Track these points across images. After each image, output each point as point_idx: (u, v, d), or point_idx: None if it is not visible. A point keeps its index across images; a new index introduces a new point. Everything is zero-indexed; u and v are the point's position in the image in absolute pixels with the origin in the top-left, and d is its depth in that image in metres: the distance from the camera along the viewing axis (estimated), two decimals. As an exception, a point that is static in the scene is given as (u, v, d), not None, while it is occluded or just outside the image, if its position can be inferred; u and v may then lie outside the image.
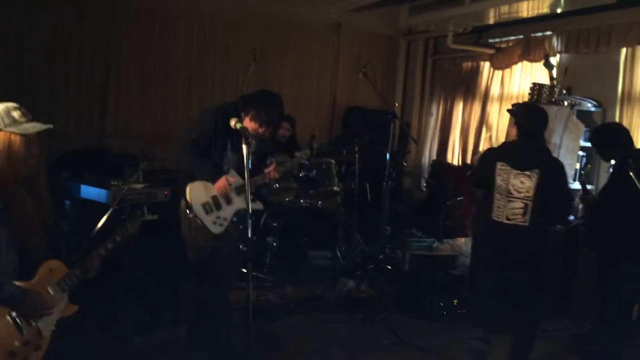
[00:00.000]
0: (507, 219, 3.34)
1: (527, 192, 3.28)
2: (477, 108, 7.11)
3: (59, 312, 2.20)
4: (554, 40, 5.80)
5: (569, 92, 5.61)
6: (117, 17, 5.76)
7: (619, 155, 3.81)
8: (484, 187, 3.57)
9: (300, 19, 6.92)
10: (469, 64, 7.26)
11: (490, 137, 6.81)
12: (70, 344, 2.21)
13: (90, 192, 3.83)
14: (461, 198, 6.36)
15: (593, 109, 5.51)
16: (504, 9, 5.65)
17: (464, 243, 5.50)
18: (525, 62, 6.35)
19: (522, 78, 6.51)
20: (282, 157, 4.45)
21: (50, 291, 2.16)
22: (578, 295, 4.72)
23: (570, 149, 5.23)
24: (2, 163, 2.06)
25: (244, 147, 2.78)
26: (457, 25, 6.37)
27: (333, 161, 5.37)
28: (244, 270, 4.20)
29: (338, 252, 5.44)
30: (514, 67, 6.54)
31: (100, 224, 3.12)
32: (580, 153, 5.30)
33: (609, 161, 3.98)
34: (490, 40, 6.77)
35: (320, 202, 5.48)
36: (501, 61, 6.57)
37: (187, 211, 3.26)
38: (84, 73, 5.68)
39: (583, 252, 4.60)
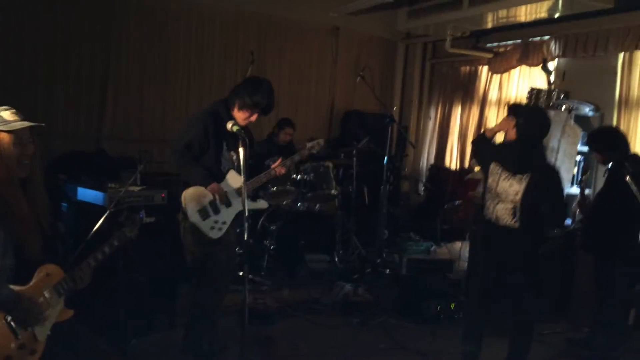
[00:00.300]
0: (497, 219, 3.32)
1: (516, 195, 3.24)
2: (475, 112, 7.12)
3: (55, 317, 2.18)
4: (552, 45, 5.81)
5: (566, 97, 5.61)
6: (116, 18, 5.76)
7: (616, 159, 3.82)
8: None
9: (299, 21, 6.92)
10: (467, 68, 7.27)
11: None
12: (65, 348, 2.20)
13: (87, 194, 3.82)
14: (459, 202, 6.35)
15: (591, 113, 5.51)
16: (502, 13, 5.66)
17: (461, 247, 5.50)
18: (523, 67, 6.36)
19: (520, 82, 6.52)
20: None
21: (47, 295, 2.14)
22: (575, 299, 4.72)
23: (568, 153, 5.23)
24: None
25: (241, 149, 2.76)
26: (455, 30, 6.38)
27: (331, 164, 5.36)
28: (240, 274, 4.21)
29: (335, 256, 5.44)
30: (512, 71, 6.55)
31: (97, 227, 3.11)
32: (578, 157, 5.30)
33: (606, 164, 3.98)
34: (489, 45, 6.78)
35: (317, 206, 5.48)
36: (499, 65, 6.58)
37: (183, 218, 3.25)
38: (82, 74, 5.67)
39: (580, 256, 4.60)
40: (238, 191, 3.28)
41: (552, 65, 5.91)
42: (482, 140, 3.63)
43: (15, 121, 2.12)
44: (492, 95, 6.89)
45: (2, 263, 2.04)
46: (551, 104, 5.43)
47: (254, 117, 3.32)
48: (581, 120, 5.40)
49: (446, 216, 6.37)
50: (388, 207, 5.86)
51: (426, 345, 3.98)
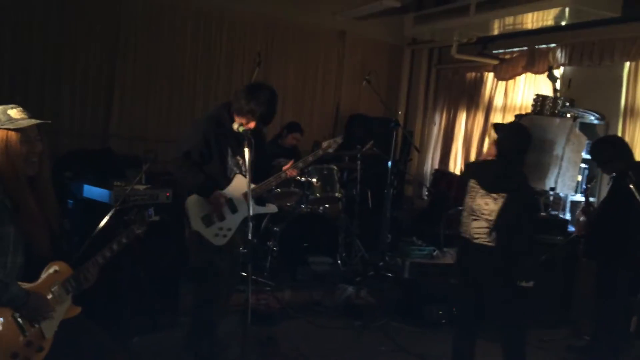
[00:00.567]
0: (473, 237, 3.27)
1: (490, 214, 3.19)
2: (480, 118, 7.13)
3: (62, 314, 2.20)
4: (558, 53, 5.82)
5: (572, 105, 5.62)
6: (123, 19, 5.81)
7: (619, 168, 3.83)
8: None
9: (306, 25, 6.96)
10: (473, 74, 7.28)
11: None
12: (72, 345, 2.21)
13: (93, 192, 3.85)
14: (462, 207, 6.35)
15: (596, 121, 5.52)
16: (509, 20, 5.67)
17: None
18: (529, 74, 6.37)
19: (525, 89, 6.53)
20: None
21: (55, 293, 2.16)
22: (577, 306, 4.72)
23: (572, 161, 5.23)
24: (3, 160, 2.07)
25: (246, 149, 2.77)
26: (462, 36, 6.40)
27: (335, 167, 5.38)
28: (244, 274, 4.22)
29: (338, 258, 5.45)
30: (518, 78, 6.55)
31: (102, 224, 3.14)
32: (583, 165, 5.31)
33: (610, 174, 3.99)
34: (495, 51, 6.79)
35: (321, 208, 5.50)
36: (505, 72, 6.59)
37: (187, 225, 3.22)
38: (90, 73, 5.72)
39: (583, 264, 4.60)
40: (244, 197, 3.22)
41: (558, 72, 5.91)
42: (476, 161, 3.65)
43: (22, 119, 2.14)
44: (498, 101, 6.89)
45: (11, 260, 2.06)
46: (556, 111, 5.43)
47: (251, 124, 3.19)
48: (586, 128, 5.41)
49: (449, 221, 6.37)
50: (391, 211, 5.87)
51: (427, 348, 3.99)
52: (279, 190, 4.91)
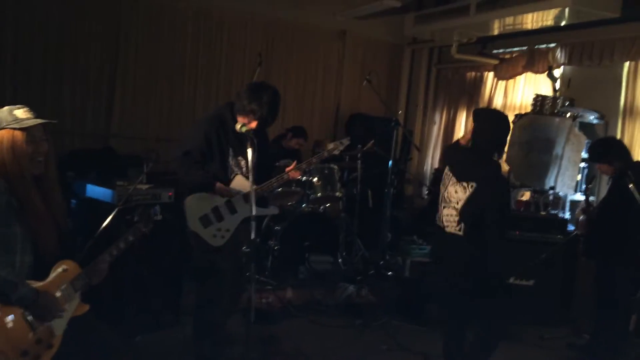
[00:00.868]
0: (444, 225, 3.23)
1: (457, 202, 3.14)
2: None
3: (71, 312, 2.23)
4: (558, 53, 5.84)
5: (571, 104, 5.65)
6: (124, 19, 5.82)
7: (618, 168, 3.86)
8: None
9: (306, 24, 6.97)
10: (473, 74, 7.30)
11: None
12: (80, 342, 2.24)
13: (95, 191, 3.87)
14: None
15: (595, 121, 5.54)
16: (509, 20, 5.69)
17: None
18: (529, 74, 6.39)
19: (525, 89, 6.55)
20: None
21: (63, 291, 2.19)
22: (577, 305, 4.75)
23: (572, 160, 5.26)
24: (9, 160, 2.09)
25: (249, 149, 2.78)
26: (462, 35, 6.42)
27: (336, 167, 5.40)
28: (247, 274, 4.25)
29: (339, 257, 5.47)
30: (518, 78, 6.57)
31: (105, 223, 3.16)
32: (582, 165, 5.33)
33: (610, 174, 4.02)
34: (495, 51, 6.81)
35: (322, 207, 5.52)
36: (505, 72, 6.61)
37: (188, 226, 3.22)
38: (91, 73, 5.73)
39: (583, 263, 4.63)
40: (244, 197, 3.21)
41: (557, 72, 5.94)
42: (452, 147, 3.55)
43: (27, 119, 2.16)
44: (498, 101, 6.91)
45: (20, 260, 2.09)
46: (556, 111, 5.45)
47: (252, 125, 3.17)
48: (586, 128, 5.43)
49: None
50: (392, 210, 5.89)
51: (428, 347, 4.01)
52: (280, 189, 4.92)
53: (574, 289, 4.79)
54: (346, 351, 3.92)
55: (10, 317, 2.03)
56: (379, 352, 3.95)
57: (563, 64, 5.86)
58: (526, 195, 5.59)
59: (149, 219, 2.50)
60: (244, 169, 3.29)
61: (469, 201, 3.07)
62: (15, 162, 2.09)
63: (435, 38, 7.21)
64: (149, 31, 5.98)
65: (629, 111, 5.33)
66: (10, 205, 2.06)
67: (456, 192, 3.15)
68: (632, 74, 5.32)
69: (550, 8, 5.04)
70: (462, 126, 7.46)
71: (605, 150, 4.03)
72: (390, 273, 5.46)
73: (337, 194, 5.35)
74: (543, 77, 6.09)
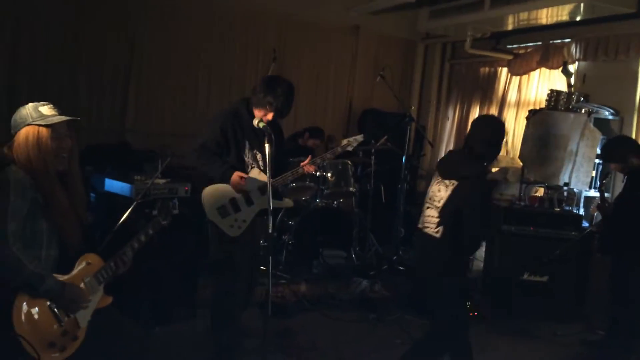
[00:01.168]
0: (423, 225, 3.17)
1: (439, 201, 3.08)
2: (493, 113, 7.12)
3: (95, 304, 2.28)
4: (573, 48, 5.82)
5: (586, 100, 5.62)
6: (139, 16, 5.87)
7: (632, 165, 3.86)
8: None
9: (320, 20, 6.99)
10: (487, 69, 7.28)
11: (507, 142, 6.83)
12: (104, 333, 2.29)
13: (114, 185, 3.93)
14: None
15: (610, 117, 5.52)
16: (523, 15, 5.67)
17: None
18: (543, 69, 6.37)
19: (539, 84, 6.53)
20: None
21: (88, 284, 2.25)
22: (591, 301, 4.75)
23: (586, 156, 5.24)
24: (35, 156, 2.14)
25: (267, 145, 2.82)
26: (476, 30, 6.40)
27: (349, 162, 5.42)
28: (262, 267, 4.30)
29: (352, 252, 5.50)
30: (532, 73, 6.55)
31: (124, 217, 3.21)
32: (597, 161, 5.32)
33: (625, 172, 4.02)
34: (509, 46, 6.79)
35: (335, 202, 5.55)
36: (519, 67, 6.59)
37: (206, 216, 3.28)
38: (106, 70, 5.79)
39: (597, 259, 4.62)
40: (260, 189, 3.28)
41: (572, 68, 5.91)
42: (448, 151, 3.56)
43: (52, 116, 2.21)
44: (511, 97, 6.90)
45: (45, 253, 2.15)
46: (571, 106, 5.44)
47: (269, 116, 3.24)
48: (601, 123, 5.41)
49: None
50: (404, 205, 5.91)
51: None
52: (294, 184, 4.96)
53: (588, 285, 4.78)
54: (360, 345, 3.95)
55: (37, 309, 2.08)
56: (393, 347, 3.97)
57: (578, 59, 5.84)
58: (540, 192, 5.58)
59: (168, 212, 2.54)
60: (260, 163, 3.34)
61: (449, 199, 3.04)
62: (41, 158, 2.14)
63: (449, 33, 7.19)
64: (163, 28, 6.03)
65: (645, 107, 5.30)
66: (36, 200, 2.11)
67: (439, 190, 3.12)
68: (648, 70, 5.29)
69: (565, 3, 5.02)
70: (476, 122, 7.43)
71: (619, 149, 4.02)
72: (403, 268, 5.47)
73: (351, 189, 5.37)
74: (557, 72, 6.07)
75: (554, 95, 5.61)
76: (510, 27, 6.21)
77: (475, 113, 7.43)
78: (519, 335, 4.41)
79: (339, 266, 5.35)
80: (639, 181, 3.84)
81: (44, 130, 2.17)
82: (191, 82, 6.30)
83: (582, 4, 4.93)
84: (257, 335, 3.63)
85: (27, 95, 5.17)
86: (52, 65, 5.45)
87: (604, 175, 4.35)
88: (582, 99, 5.55)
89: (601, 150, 4.63)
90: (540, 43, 6.30)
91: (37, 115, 2.18)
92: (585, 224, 5.01)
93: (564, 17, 5.48)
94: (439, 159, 3.45)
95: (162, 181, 3.96)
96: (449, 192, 3.04)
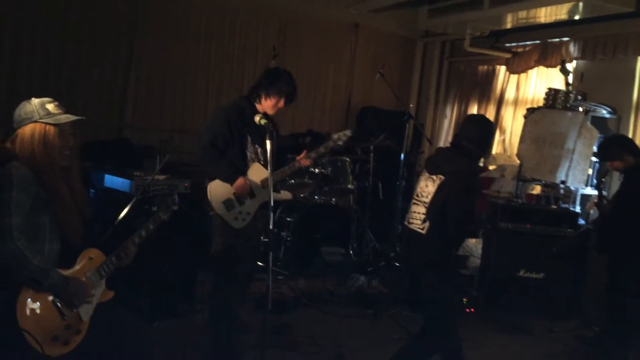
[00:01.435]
0: (409, 221, 3.19)
1: (427, 197, 3.10)
2: (491, 111, 7.15)
3: (98, 298, 2.32)
4: (571, 47, 5.84)
5: (584, 98, 5.65)
6: (139, 11, 5.88)
7: (630, 163, 3.90)
8: None
9: (319, 17, 7.00)
10: (485, 67, 7.30)
11: (504, 140, 6.87)
12: (106, 327, 2.32)
13: (114, 181, 3.95)
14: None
15: (608, 115, 5.55)
16: (522, 14, 5.69)
17: (474, 244, 5.57)
18: (541, 67, 6.39)
19: (537, 83, 6.55)
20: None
21: (90, 278, 2.28)
22: (587, 298, 4.79)
23: (583, 154, 5.28)
24: (40, 152, 2.17)
25: (268, 142, 2.86)
26: (475, 29, 6.43)
27: (348, 159, 5.45)
28: (260, 264, 4.33)
29: (350, 249, 5.53)
30: (530, 71, 6.57)
31: (124, 213, 3.23)
32: (593, 159, 5.35)
33: (621, 171, 4.06)
34: (507, 45, 6.81)
35: (333, 199, 5.57)
36: (517, 65, 6.62)
37: (209, 210, 3.35)
38: (105, 64, 5.81)
39: (593, 256, 4.66)
40: (262, 183, 3.36)
41: (570, 66, 5.93)
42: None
43: (59, 114, 2.25)
44: (509, 95, 6.92)
45: (48, 248, 2.18)
46: (568, 105, 5.47)
47: (281, 104, 3.41)
48: (598, 122, 5.44)
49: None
50: (402, 202, 5.93)
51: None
52: (293, 181, 4.97)
53: (584, 282, 4.82)
54: (358, 340, 3.99)
55: (41, 304, 2.10)
56: (390, 342, 3.98)
57: (576, 58, 5.86)
58: (537, 189, 5.62)
59: (168, 207, 2.57)
60: (261, 158, 3.42)
61: (436, 193, 3.06)
62: (46, 155, 2.18)
63: (448, 31, 7.20)
64: (162, 23, 6.04)
65: (642, 106, 5.33)
66: (38, 195, 2.14)
67: (427, 185, 3.14)
68: (646, 69, 5.32)
69: (564, 2, 5.03)
70: (474, 119, 7.46)
71: (615, 148, 4.05)
72: (395, 264, 5.50)
73: (349, 186, 5.39)
74: (555, 71, 6.09)
75: (551, 93, 5.64)
76: (509, 26, 6.23)
77: (473, 111, 7.45)
78: (515, 331, 4.45)
79: (337, 262, 5.38)
80: (635, 179, 3.88)
81: (51, 128, 2.20)
82: (190, 78, 6.31)
83: (580, 3, 4.95)
84: (255, 331, 3.67)
85: (25, 89, 5.18)
86: (51, 60, 5.46)
87: (603, 173, 4.38)
88: (579, 97, 5.58)
89: (598, 148, 4.67)
90: (538, 42, 6.32)
91: (45, 112, 2.21)
92: (582, 221, 5.04)
93: (563, 16, 5.50)
94: (428, 156, 3.47)
95: (161, 177, 3.99)
96: (435, 186, 3.08)
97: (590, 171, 5.40)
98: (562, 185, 5.25)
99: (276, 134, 3.55)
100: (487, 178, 6.13)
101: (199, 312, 3.90)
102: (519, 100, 6.76)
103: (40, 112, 2.21)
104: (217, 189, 3.35)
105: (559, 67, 5.90)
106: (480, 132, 3.20)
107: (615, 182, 4.56)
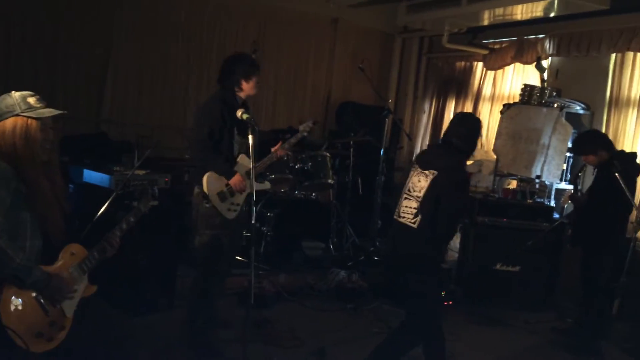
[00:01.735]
0: (400, 216, 3.22)
1: (420, 192, 3.14)
2: (469, 107, 7.24)
3: (81, 293, 2.30)
4: (546, 43, 5.95)
5: (559, 95, 5.76)
6: (117, 5, 5.81)
7: (604, 158, 3.99)
8: None
9: (298, 12, 7.00)
10: (463, 63, 7.38)
11: (481, 136, 6.95)
12: (89, 322, 2.32)
13: (93, 176, 3.91)
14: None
15: (582, 111, 5.67)
16: (499, 11, 5.77)
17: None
18: (517, 64, 6.49)
19: (513, 79, 6.65)
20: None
21: (73, 274, 2.26)
22: (561, 291, 4.90)
23: (558, 149, 5.39)
24: (22, 146, 2.15)
25: (251, 136, 2.88)
26: (453, 25, 6.49)
27: (328, 154, 5.47)
28: (239, 258, 4.34)
29: (330, 244, 5.56)
30: (507, 68, 6.67)
31: (103, 209, 3.20)
32: (568, 154, 5.46)
33: (595, 165, 4.15)
34: (484, 41, 6.89)
35: (314, 194, 5.59)
36: (494, 62, 6.70)
37: (204, 201, 3.39)
38: (83, 57, 5.72)
39: (567, 250, 4.77)
40: (247, 173, 3.44)
41: (545, 63, 6.04)
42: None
43: (41, 108, 2.22)
44: (486, 91, 7.02)
45: (30, 244, 2.15)
46: (544, 101, 5.57)
47: (258, 79, 3.55)
48: (572, 118, 5.55)
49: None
50: (382, 197, 5.98)
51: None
52: (273, 176, 4.99)
53: (559, 275, 4.93)
54: (338, 334, 4.02)
55: (24, 301, 2.09)
56: (370, 335, 4.04)
57: (551, 54, 5.97)
58: (513, 184, 5.72)
59: (148, 200, 2.56)
60: (244, 148, 3.50)
61: (429, 187, 3.11)
62: (28, 149, 2.15)
63: (426, 27, 7.26)
64: (141, 17, 5.97)
65: (615, 102, 5.45)
66: (19, 191, 2.11)
67: (419, 181, 3.17)
68: (619, 66, 5.44)
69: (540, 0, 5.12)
70: (451, 115, 7.55)
71: (590, 143, 4.14)
72: (375, 258, 5.55)
73: (330, 181, 5.41)
74: (531, 67, 6.19)
75: (527, 89, 5.73)
76: (486, 23, 6.30)
77: (451, 106, 7.54)
78: (492, 323, 4.53)
79: (317, 257, 5.41)
80: (608, 174, 3.98)
81: (33, 122, 2.18)
82: (170, 73, 6.26)
83: (556, 0, 5.04)
84: (235, 326, 3.69)
85: (1, 83, 5.09)
86: (28, 53, 5.37)
87: (580, 168, 4.48)
88: (554, 93, 5.68)
89: (573, 143, 4.77)
90: (515, 38, 6.41)
91: (26, 106, 2.19)
92: (556, 215, 5.15)
93: (539, 13, 5.59)
94: (417, 152, 3.52)
95: (141, 172, 3.96)
96: (429, 181, 3.12)
97: (564, 166, 5.51)
98: (537, 180, 5.35)
99: (258, 128, 3.60)
100: (466, 172, 6.19)
101: (179, 307, 3.89)
102: (496, 96, 6.86)
103: (22, 105, 2.18)
104: (212, 182, 3.41)
105: (534, 63, 6.00)
106: (468, 129, 3.27)
107: (588, 176, 4.66)
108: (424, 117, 7.95)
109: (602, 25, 5.39)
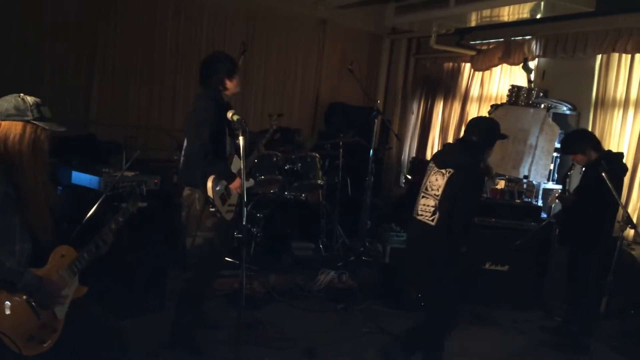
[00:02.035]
0: (418, 214, 3.30)
1: (438, 190, 3.22)
2: (457, 108, 7.30)
3: (71, 295, 2.29)
4: (533, 45, 6.00)
5: (545, 95, 5.82)
6: (103, 5, 5.78)
7: (591, 158, 4.03)
8: None
9: (287, 13, 7.00)
10: (450, 64, 7.43)
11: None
12: (80, 324, 2.30)
13: (81, 178, 3.88)
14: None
15: (568, 112, 5.73)
16: (486, 12, 5.83)
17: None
18: (504, 65, 6.55)
19: (501, 80, 6.71)
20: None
21: (63, 276, 2.25)
22: (549, 289, 4.94)
23: (545, 150, 5.44)
24: (28, 153, 2.14)
25: (241, 137, 2.88)
26: (441, 26, 6.53)
27: (318, 155, 5.47)
28: (229, 259, 4.34)
29: (320, 244, 5.57)
30: (494, 69, 6.72)
31: (93, 210, 3.18)
32: (555, 154, 5.52)
33: (582, 164, 4.19)
34: (472, 42, 6.95)
35: (303, 195, 5.59)
36: (481, 63, 6.76)
37: (209, 205, 3.39)
38: (69, 58, 5.69)
39: (555, 249, 4.81)
40: (238, 173, 3.44)
41: (532, 64, 6.09)
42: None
43: (50, 119, 2.22)
44: (474, 91, 7.07)
45: (20, 248, 2.13)
46: (530, 102, 5.62)
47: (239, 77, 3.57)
48: (559, 118, 5.61)
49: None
50: (371, 197, 6.00)
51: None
52: (262, 177, 4.98)
53: (547, 274, 4.97)
54: (328, 335, 4.02)
55: (15, 304, 2.07)
56: (360, 335, 4.06)
57: (538, 55, 6.03)
58: (501, 184, 5.76)
59: (135, 199, 2.54)
60: (232, 148, 3.53)
61: (446, 185, 3.19)
62: (33, 155, 2.15)
63: (414, 28, 7.30)
64: (128, 18, 5.95)
65: (601, 102, 5.51)
66: (8, 195, 2.09)
67: (437, 179, 3.25)
68: (604, 67, 5.50)
69: (527, 1, 5.17)
70: (440, 116, 7.60)
71: (578, 142, 4.19)
72: (369, 259, 5.56)
73: (319, 181, 5.42)
74: (518, 68, 6.24)
75: (514, 90, 5.79)
76: (473, 24, 6.36)
77: (439, 107, 7.59)
78: (480, 323, 4.55)
79: (307, 258, 5.40)
80: (595, 173, 4.02)
81: (43, 132, 2.19)
82: (157, 74, 6.24)
83: (542, 2, 5.10)
84: (225, 327, 3.69)
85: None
86: (15, 54, 5.32)
87: (568, 167, 4.52)
88: (541, 94, 5.74)
89: (561, 142, 4.81)
90: (502, 40, 6.46)
91: (39, 115, 2.18)
92: (544, 215, 5.19)
93: (525, 15, 5.66)
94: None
95: (130, 174, 3.94)
96: (445, 179, 3.20)
97: (551, 166, 5.56)
98: (525, 180, 5.40)
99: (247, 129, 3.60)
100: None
101: (169, 308, 3.87)
102: (484, 97, 6.91)
103: (35, 113, 2.17)
104: (213, 185, 3.42)
105: (521, 64, 6.05)
106: (488, 126, 3.40)
107: (576, 176, 4.71)
108: (413, 118, 7.99)
109: (587, 26, 5.46)
